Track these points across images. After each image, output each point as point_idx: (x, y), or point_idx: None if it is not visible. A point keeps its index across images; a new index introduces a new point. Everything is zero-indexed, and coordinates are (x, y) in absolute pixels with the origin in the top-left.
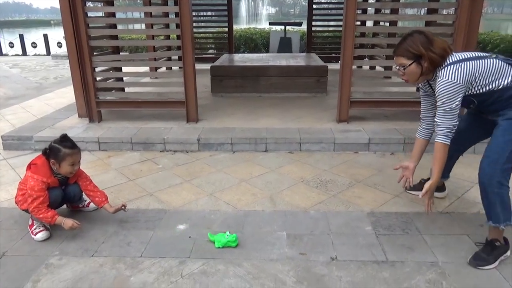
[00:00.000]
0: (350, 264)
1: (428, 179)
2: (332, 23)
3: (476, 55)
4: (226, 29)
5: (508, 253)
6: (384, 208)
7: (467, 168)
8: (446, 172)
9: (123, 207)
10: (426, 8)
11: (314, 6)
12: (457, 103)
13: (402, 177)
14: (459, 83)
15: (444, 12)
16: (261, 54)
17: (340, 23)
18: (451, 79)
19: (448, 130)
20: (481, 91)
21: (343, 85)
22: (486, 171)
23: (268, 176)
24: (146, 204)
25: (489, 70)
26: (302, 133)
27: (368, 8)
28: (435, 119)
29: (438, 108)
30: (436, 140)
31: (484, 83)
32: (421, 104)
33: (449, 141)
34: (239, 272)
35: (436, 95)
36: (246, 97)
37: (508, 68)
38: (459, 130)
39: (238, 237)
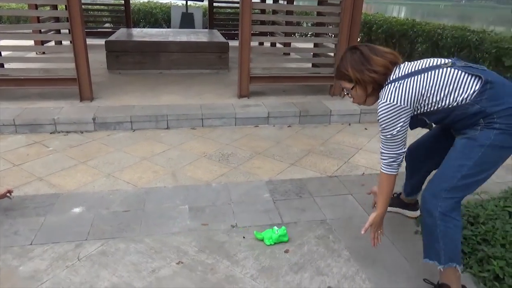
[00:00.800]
0: (249, 229)
1: (399, 194)
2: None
3: (428, 65)
4: (122, 1)
5: None
6: (281, 176)
7: (353, 136)
8: (416, 188)
9: (8, 194)
10: None
11: None
12: (398, 128)
13: (375, 203)
14: (399, 104)
15: None
16: (161, 29)
17: None
18: (389, 100)
19: (392, 160)
20: (433, 109)
21: (243, 61)
22: (426, 198)
23: (170, 153)
24: (35, 189)
25: (440, 84)
26: (204, 109)
27: None
28: (380, 148)
29: (380, 135)
30: (382, 169)
31: (435, 100)
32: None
33: (395, 171)
34: (141, 248)
35: (377, 119)
36: (145, 74)
37: (467, 78)
38: (428, 141)
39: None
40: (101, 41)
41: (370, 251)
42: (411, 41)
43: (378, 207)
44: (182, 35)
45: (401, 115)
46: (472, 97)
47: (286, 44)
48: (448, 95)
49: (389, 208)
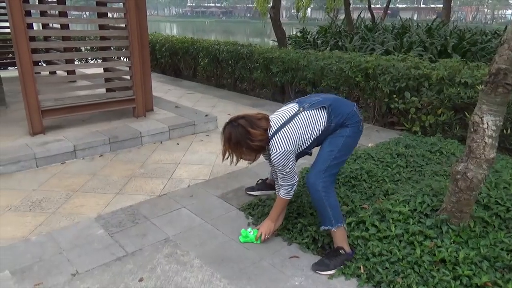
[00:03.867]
0: (93, 272)
1: (266, 179)
2: None
3: (290, 114)
4: None
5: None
6: (109, 209)
7: (168, 153)
8: None
9: None
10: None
11: None
12: (291, 166)
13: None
14: (288, 149)
15: (115, 15)
16: None
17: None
18: (280, 149)
19: (290, 188)
20: (310, 142)
21: (29, 94)
22: (311, 180)
23: None
24: None
25: (307, 124)
26: None
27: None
28: (278, 180)
29: (278, 173)
30: (279, 195)
31: (309, 135)
32: (270, 166)
33: (291, 196)
34: None
35: (272, 164)
36: None
37: (317, 112)
38: None
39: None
40: None
41: (217, 253)
42: (193, 57)
43: (271, 216)
44: None
45: (290, 157)
46: (327, 121)
47: (70, 72)
48: (313, 129)
49: (259, 192)
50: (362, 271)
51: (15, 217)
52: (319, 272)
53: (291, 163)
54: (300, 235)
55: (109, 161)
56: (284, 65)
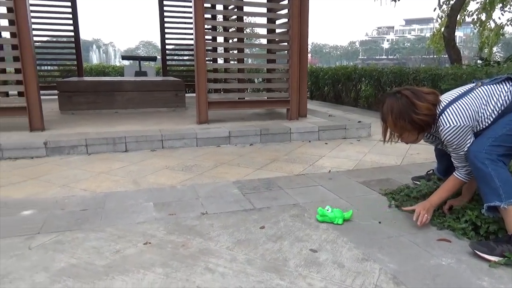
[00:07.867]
0: (220, 215)
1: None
2: (185, 57)
3: (464, 90)
4: (75, 62)
5: None
6: (248, 177)
7: (314, 148)
8: (447, 170)
9: None
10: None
11: (166, 47)
12: (468, 145)
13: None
14: (463, 124)
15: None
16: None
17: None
18: (453, 123)
19: (470, 170)
20: (491, 119)
21: (200, 87)
22: (474, 147)
23: (130, 168)
24: None
25: (486, 98)
26: (164, 132)
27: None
28: (453, 162)
29: (452, 153)
30: (455, 174)
31: (490, 112)
32: (435, 149)
33: (469, 179)
34: (102, 236)
35: (445, 143)
36: (100, 114)
37: (499, 86)
38: None
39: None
40: (53, 97)
41: (348, 223)
42: (355, 83)
43: (433, 198)
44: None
45: (467, 133)
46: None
47: (240, 89)
48: (496, 104)
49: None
50: None
51: (169, 173)
52: (478, 252)
53: (468, 141)
54: (455, 220)
55: (258, 149)
56: (456, 82)
